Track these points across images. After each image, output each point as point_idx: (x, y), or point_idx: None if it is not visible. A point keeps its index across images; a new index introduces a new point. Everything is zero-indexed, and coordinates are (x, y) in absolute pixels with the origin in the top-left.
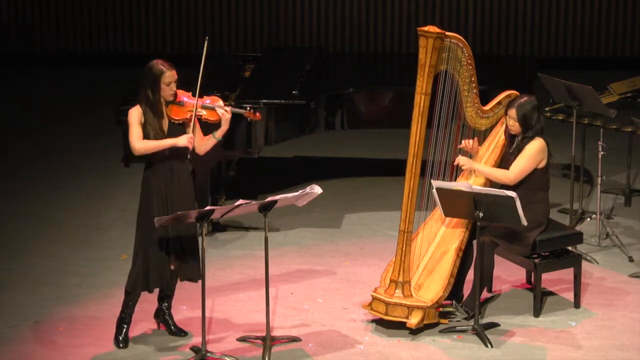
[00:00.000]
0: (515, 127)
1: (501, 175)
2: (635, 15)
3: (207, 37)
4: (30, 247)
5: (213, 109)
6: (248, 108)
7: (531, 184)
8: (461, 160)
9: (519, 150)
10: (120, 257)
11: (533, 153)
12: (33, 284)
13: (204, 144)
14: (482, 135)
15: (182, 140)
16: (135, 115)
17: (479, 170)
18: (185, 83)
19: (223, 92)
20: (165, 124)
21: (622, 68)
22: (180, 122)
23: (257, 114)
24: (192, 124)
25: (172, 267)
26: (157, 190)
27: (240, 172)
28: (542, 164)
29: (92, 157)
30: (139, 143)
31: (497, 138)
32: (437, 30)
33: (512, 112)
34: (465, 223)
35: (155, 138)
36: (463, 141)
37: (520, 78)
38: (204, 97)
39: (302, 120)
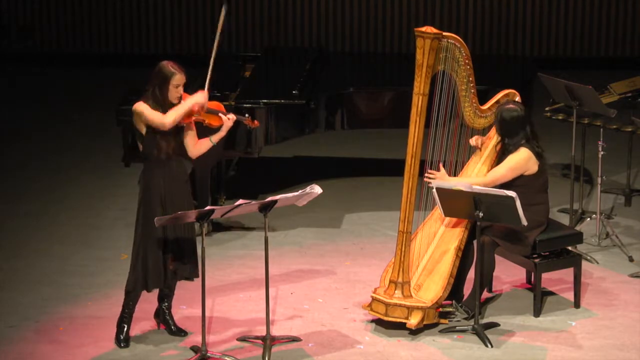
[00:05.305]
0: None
1: (476, 182)
2: (635, 15)
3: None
4: (30, 247)
5: (216, 114)
6: (247, 115)
7: (528, 188)
8: (433, 174)
9: (503, 156)
10: (121, 257)
11: (513, 165)
12: (33, 284)
13: (198, 147)
14: (481, 134)
15: (199, 97)
16: (143, 105)
17: (451, 181)
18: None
19: (223, 92)
20: None
21: (622, 68)
22: (183, 124)
23: (256, 121)
24: (192, 126)
25: (171, 267)
26: (157, 190)
27: (240, 172)
28: (530, 172)
29: (92, 157)
30: (167, 118)
31: (495, 138)
32: (434, 30)
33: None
34: (464, 223)
35: (161, 134)
36: (473, 138)
37: (520, 78)
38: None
39: (302, 120)
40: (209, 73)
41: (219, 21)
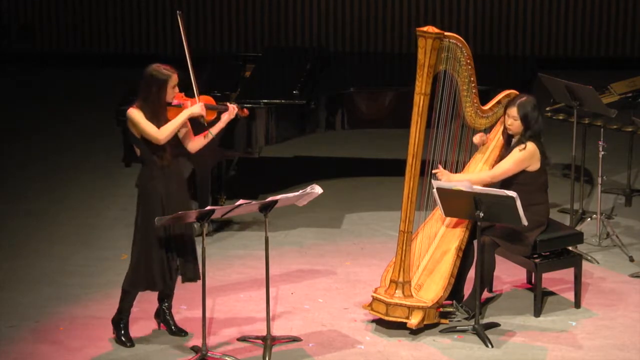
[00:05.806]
0: (514, 126)
1: (482, 176)
2: (635, 15)
3: (178, 12)
4: (30, 247)
5: (212, 108)
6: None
7: (528, 186)
8: (438, 172)
9: (507, 152)
10: (121, 257)
11: (520, 158)
12: (33, 284)
13: (196, 142)
14: None
15: (196, 109)
16: (138, 114)
17: (456, 178)
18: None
19: (224, 92)
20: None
21: (622, 68)
22: None
23: (245, 110)
24: (187, 124)
25: (173, 267)
26: (156, 191)
27: (240, 172)
28: (532, 168)
29: (92, 157)
30: (161, 133)
31: (497, 138)
32: (436, 30)
33: (513, 110)
34: (465, 223)
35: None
36: (477, 136)
37: (520, 78)
38: (197, 97)
39: (302, 120)
40: (193, 81)
41: (180, 27)
